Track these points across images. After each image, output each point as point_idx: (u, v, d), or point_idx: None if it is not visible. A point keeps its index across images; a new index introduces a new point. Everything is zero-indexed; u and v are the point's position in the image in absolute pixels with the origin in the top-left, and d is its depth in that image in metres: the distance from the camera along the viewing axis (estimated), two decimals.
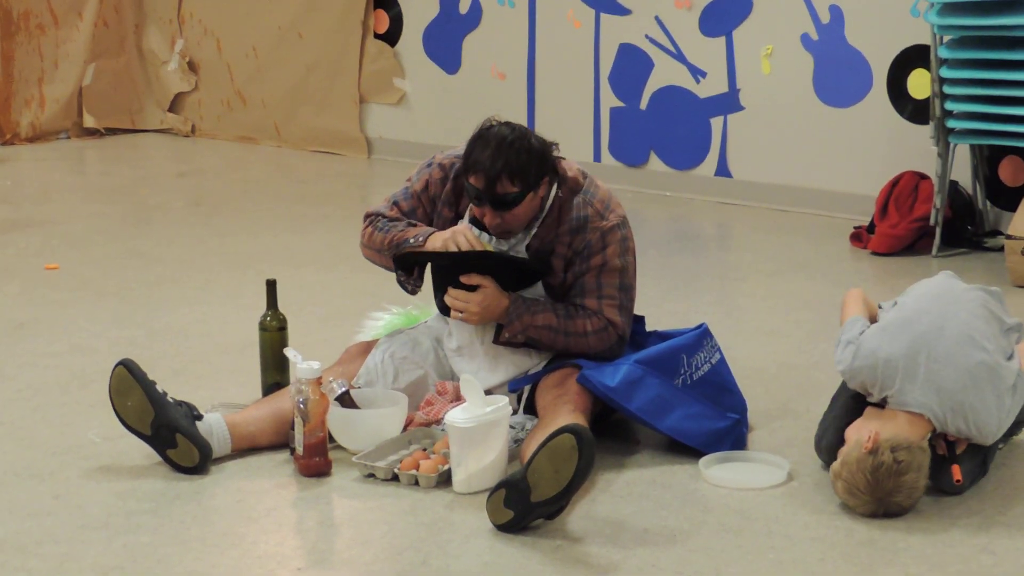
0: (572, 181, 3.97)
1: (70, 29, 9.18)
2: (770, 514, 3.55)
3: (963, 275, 4.07)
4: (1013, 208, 6.24)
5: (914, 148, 6.55)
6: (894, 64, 6.69)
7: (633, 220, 4.07)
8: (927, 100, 6.40)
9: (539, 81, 7.86)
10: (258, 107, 9.09)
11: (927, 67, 6.38)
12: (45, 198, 7.61)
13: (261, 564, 3.30)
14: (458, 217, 4.05)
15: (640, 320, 4.21)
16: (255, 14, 8.95)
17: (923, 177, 6.39)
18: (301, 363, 3.76)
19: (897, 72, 6.69)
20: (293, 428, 3.77)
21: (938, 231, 6.20)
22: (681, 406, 3.89)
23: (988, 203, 6.48)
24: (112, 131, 9.39)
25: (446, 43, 8.21)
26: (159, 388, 3.79)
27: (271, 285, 4.27)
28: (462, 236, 3.86)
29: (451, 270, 3.89)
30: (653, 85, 7.45)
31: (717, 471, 3.77)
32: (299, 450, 3.75)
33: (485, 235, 3.96)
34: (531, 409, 3.97)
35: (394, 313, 4.61)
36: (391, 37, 8.46)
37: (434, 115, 8.32)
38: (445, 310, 3.95)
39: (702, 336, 4.08)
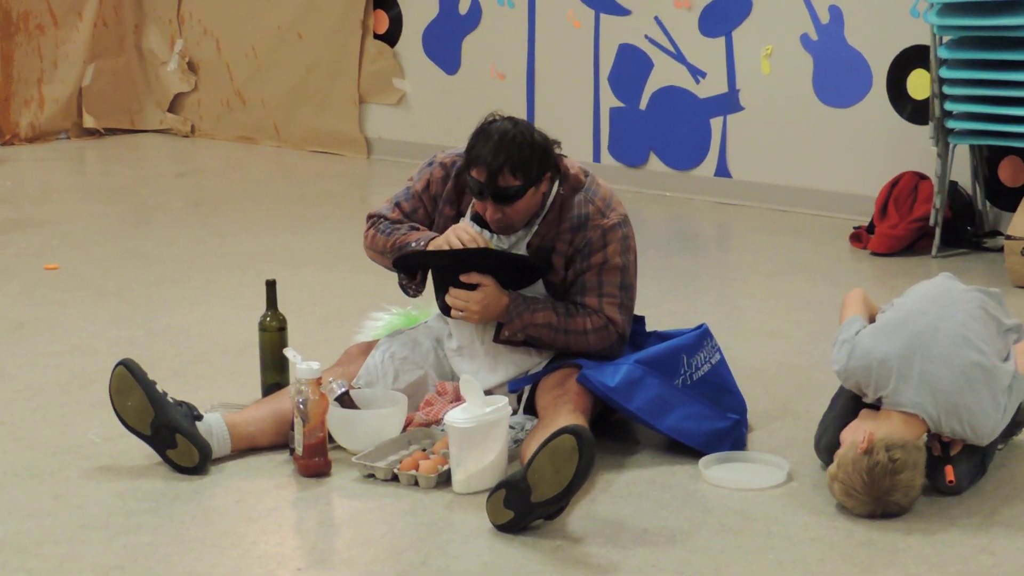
0: (573, 179, 3.98)
1: (69, 29, 9.18)
2: (770, 514, 3.55)
3: (963, 275, 4.07)
4: (1013, 208, 6.25)
5: (914, 148, 6.55)
6: (894, 64, 6.69)
7: (633, 220, 4.07)
8: (927, 100, 6.40)
9: (539, 81, 7.86)
10: (258, 107, 9.09)
11: (927, 67, 6.38)
12: (45, 198, 7.61)
13: (261, 564, 3.30)
14: (459, 215, 4.05)
15: (640, 320, 4.21)
16: (255, 14, 8.95)
17: (923, 177, 6.39)
18: (301, 363, 3.76)
19: (897, 72, 6.69)
20: (293, 428, 3.77)
21: (938, 231, 6.20)
22: (681, 406, 3.90)
23: (988, 203, 6.48)
24: (112, 131, 9.39)
25: (446, 43, 8.22)
26: (159, 388, 3.79)
27: (271, 285, 4.27)
28: (462, 231, 3.87)
29: (451, 270, 3.89)
30: (653, 85, 7.45)
31: (717, 471, 3.78)
32: (299, 450, 3.75)
33: (486, 232, 3.96)
34: (531, 409, 3.97)
35: (394, 313, 4.60)
36: (391, 37, 8.46)
37: (434, 115, 8.32)
38: (446, 310, 3.95)
39: (702, 336, 4.08)
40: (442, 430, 3.89)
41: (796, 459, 3.86)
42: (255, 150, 8.99)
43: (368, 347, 4.17)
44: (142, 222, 7.11)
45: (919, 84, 6.58)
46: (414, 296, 4.14)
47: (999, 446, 3.84)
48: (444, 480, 3.69)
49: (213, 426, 3.84)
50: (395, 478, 3.73)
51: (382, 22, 8.48)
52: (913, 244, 6.28)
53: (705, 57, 7.25)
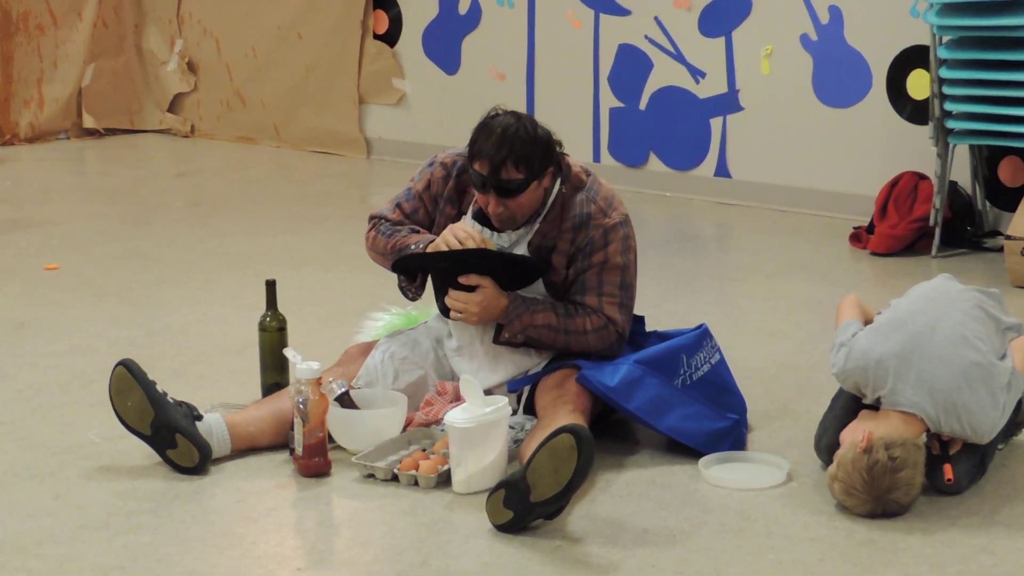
0: (575, 178, 3.98)
1: (69, 29, 9.18)
2: (770, 514, 3.55)
3: (962, 275, 4.07)
4: (1012, 208, 6.25)
5: (913, 148, 6.55)
6: (893, 64, 6.69)
7: (633, 220, 4.07)
8: (926, 100, 6.40)
9: (538, 82, 7.86)
10: (257, 107, 9.09)
11: (926, 67, 6.38)
12: (45, 198, 7.62)
13: (261, 564, 3.30)
14: (461, 215, 4.05)
15: (640, 320, 4.21)
16: (254, 14, 8.96)
17: (922, 177, 6.39)
18: (301, 363, 3.76)
19: (896, 72, 6.69)
20: (293, 428, 3.77)
21: (937, 231, 6.20)
22: (680, 406, 3.89)
23: (987, 203, 6.48)
24: (111, 131, 9.39)
25: (445, 43, 8.22)
26: (159, 388, 3.79)
27: (271, 285, 4.27)
28: (459, 229, 3.86)
29: (450, 272, 3.89)
30: (652, 85, 7.45)
31: (717, 471, 3.78)
32: (299, 450, 3.75)
33: (487, 231, 3.96)
34: (531, 409, 3.97)
35: (394, 313, 4.61)
36: (390, 37, 8.46)
37: (433, 115, 8.32)
38: (446, 311, 3.95)
39: (702, 336, 4.08)
40: (442, 430, 3.89)
41: (796, 459, 3.86)
42: (255, 150, 8.99)
43: (368, 347, 4.17)
44: (142, 222, 7.11)
45: (919, 84, 6.58)
46: (413, 300, 4.14)
47: (999, 446, 3.84)
48: (444, 480, 3.69)
49: (213, 426, 3.84)
50: (395, 478, 3.73)
51: (382, 22, 8.48)
52: (913, 244, 6.28)
53: (705, 57, 7.25)
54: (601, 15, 7.56)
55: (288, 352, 3.96)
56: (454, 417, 3.63)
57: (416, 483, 3.70)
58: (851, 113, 6.85)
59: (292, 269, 5.91)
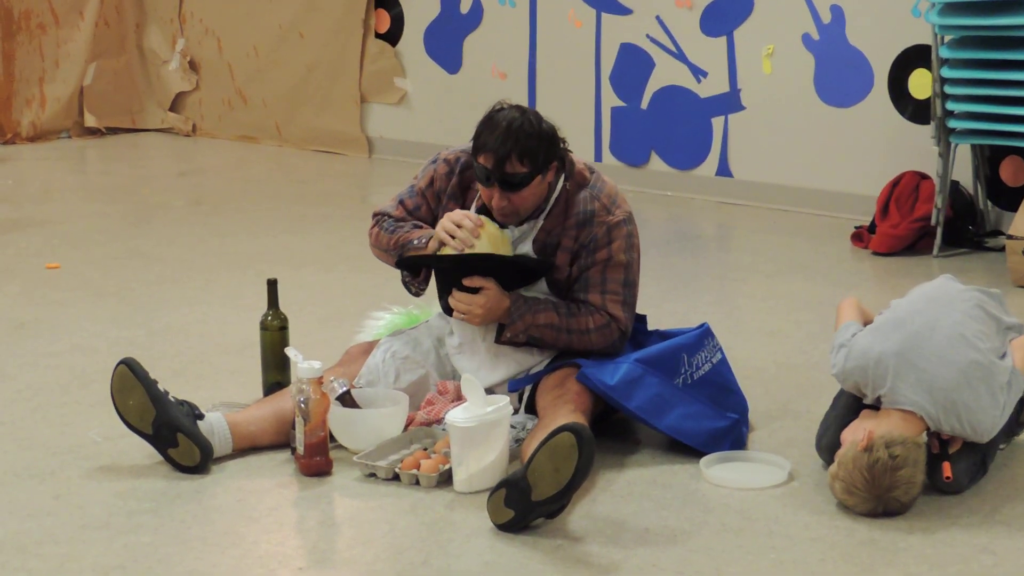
0: (579, 175, 3.98)
1: (71, 28, 9.19)
2: (771, 514, 3.55)
3: (964, 275, 4.07)
4: (1014, 208, 6.24)
5: (915, 148, 6.55)
6: (895, 64, 6.69)
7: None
8: (928, 100, 6.40)
9: (540, 81, 7.86)
10: (259, 107, 9.09)
11: (928, 67, 6.38)
12: (46, 198, 7.62)
13: (262, 564, 3.30)
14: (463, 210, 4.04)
15: (642, 319, 4.21)
16: (256, 13, 8.95)
17: (924, 177, 6.39)
18: (302, 363, 3.76)
19: (898, 72, 6.69)
20: (294, 428, 3.77)
21: (939, 231, 6.20)
22: (680, 405, 3.89)
23: (989, 203, 6.48)
24: (113, 130, 9.39)
25: (447, 43, 8.22)
26: (161, 387, 3.79)
27: (272, 284, 4.27)
28: (458, 216, 3.85)
29: (454, 272, 3.89)
30: (654, 85, 7.45)
31: (718, 471, 3.77)
32: (300, 450, 3.75)
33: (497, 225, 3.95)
34: (532, 409, 3.97)
35: (395, 313, 4.61)
36: (392, 37, 8.46)
37: (435, 115, 8.32)
38: (449, 311, 3.95)
39: (703, 336, 4.08)
40: (443, 429, 3.89)
41: (797, 459, 3.85)
42: (256, 149, 8.99)
43: (369, 347, 4.17)
44: (143, 221, 7.11)
45: (920, 84, 6.58)
46: (416, 294, 4.14)
47: (1001, 446, 3.84)
48: (445, 479, 3.69)
49: (214, 425, 3.84)
50: (396, 477, 3.73)
51: (383, 21, 8.48)
52: (914, 244, 6.28)
53: (706, 56, 7.25)
54: (603, 14, 7.56)
55: (289, 351, 3.96)
56: (455, 416, 3.63)
57: (417, 482, 3.70)
58: (853, 113, 6.85)
59: (293, 269, 5.91)
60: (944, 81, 6.03)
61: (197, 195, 7.79)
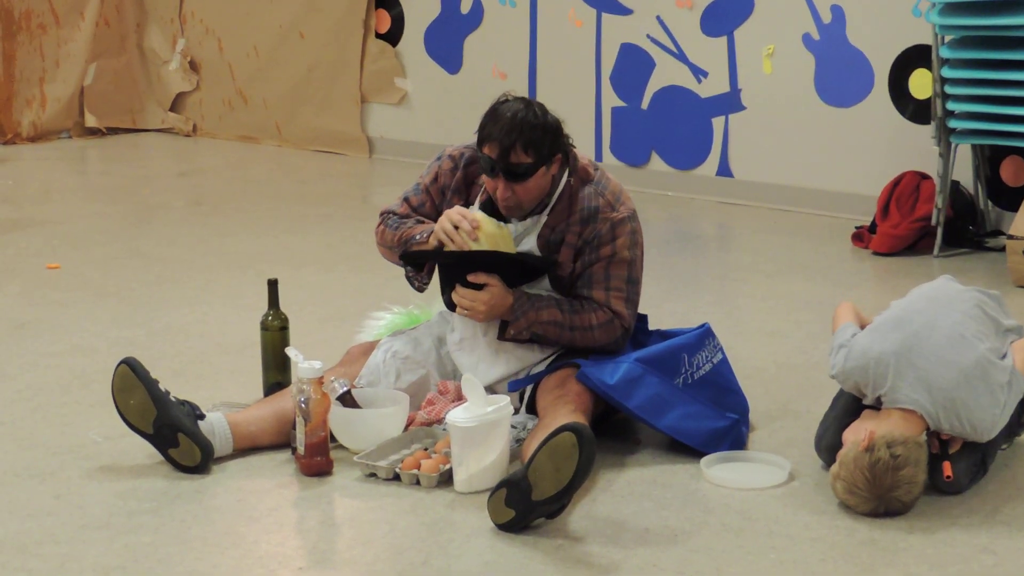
0: (583, 171, 3.99)
1: (71, 29, 9.19)
2: (771, 514, 3.54)
3: (964, 275, 4.08)
4: (1015, 208, 6.24)
5: (915, 148, 6.55)
6: (895, 64, 6.69)
7: None
8: (928, 100, 6.40)
9: (540, 81, 7.86)
10: (259, 107, 9.09)
11: (928, 67, 6.38)
12: (46, 198, 7.62)
13: (262, 564, 3.30)
14: (468, 205, 4.04)
15: (643, 319, 4.21)
16: (256, 13, 8.96)
17: (924, 177, 6.39)
18: (303, 363, 3.76)
19: (898, 72, 6.68)
20: (295, 428, 3.77)
21: (939, 231, 6.20)
22: (680, 405, 3.89)
23: (989, 203, 6.47)
24: (113, 131, 9.39)
25: (447, 43, 8.22)
26: (161, 387, 3.79)
27: (272, 284, 4.27)
28: (455, 214, 3.85)
29: (458, 268, 3.89)
30: (655, 85, 7.45)
31: (718, 471, 3.77)
32: (300, 450, 3.75)
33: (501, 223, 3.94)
34: (532, 409, 3.97)
35: (396, 313, 4.61)
36: (392, 37, 8.46)
37: (435, 115, 8.32)
38: (452, 306, 3.95)
39: (704, 336, 4.08)
40: (444, 429, 3.88)
41: (797, 459, 3.85)
42: (257, 149, 8.99)
43: (370, 347, 4.18)
44: (143, 222, 7.11)
45: (921, 84, 6.58)
46: (420, 290, 4.14)
47: (1003, 446, 3.84)
48: (446, 479, 3.69)
49: (215, 425, 3.84)
50: (397, 477, 3.73)
51: (384, 21, 8.48)
52: (915, 244, 6.27)
53: (707, 56, 7.25)
54: (603, 14, 7.56)
55: (290, 351, 3.96)
56: (456, 416, 3.63)
57: (418, 482, 3.70)
58: (853, 112, 6.85)
59: (293, 269, 5.91)
60: (944, 81, 6.03)
61: (197, 195, 7.79)
